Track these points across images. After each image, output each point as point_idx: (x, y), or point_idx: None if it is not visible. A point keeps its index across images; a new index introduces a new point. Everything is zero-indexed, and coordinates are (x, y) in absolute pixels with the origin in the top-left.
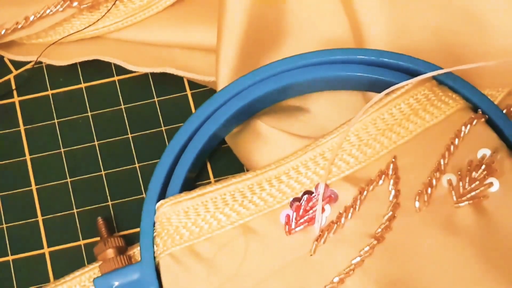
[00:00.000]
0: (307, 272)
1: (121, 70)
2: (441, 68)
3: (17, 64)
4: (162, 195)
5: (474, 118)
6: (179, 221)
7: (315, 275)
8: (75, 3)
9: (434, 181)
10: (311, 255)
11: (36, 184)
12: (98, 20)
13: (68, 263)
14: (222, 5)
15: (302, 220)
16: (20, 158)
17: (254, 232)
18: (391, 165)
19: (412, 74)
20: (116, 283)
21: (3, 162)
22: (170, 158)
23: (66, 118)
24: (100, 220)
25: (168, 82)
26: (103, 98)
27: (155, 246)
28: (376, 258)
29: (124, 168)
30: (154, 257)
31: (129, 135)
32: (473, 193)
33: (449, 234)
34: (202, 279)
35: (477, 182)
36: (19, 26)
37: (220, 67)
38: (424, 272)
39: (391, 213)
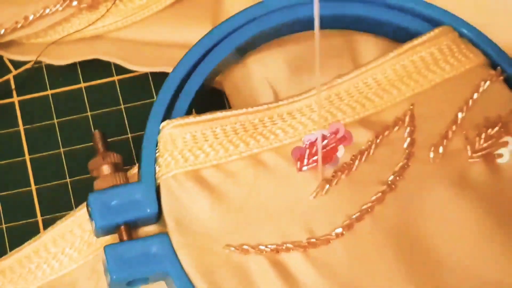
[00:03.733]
0: (315, 212)
1: (121, 70)
2: (465, 22)
3: (17, 64)
4: (167, 116)
5: (494, 74)
6: (185, 144)
7: (324, 216)
8: (75, 3)
9: (450, 134)
10: (320, 194)
11: (36, 184)
12: (98, 19)
13: None
14: (220, 5)
15: (314, 158)
16: (20, 158)
17: (263, 165)
18: (409, 113)
19: (436, 24)
20: (113, 202)
21: (3, 162)
22: (179, 75)
23: (66, 118)
24: (97, 133)
25: None
26: (103, 98)
27: (157, 167)
28: (386, 205)
29: (123, 168)
30: (155, 179)
31: (129, 135)
32: (488, 150)
33: (461, 188)
34: (205, 207)
35: (493, 139)
36: (19, 26)
37: None
38: (432, 223)
39: (405, 161)
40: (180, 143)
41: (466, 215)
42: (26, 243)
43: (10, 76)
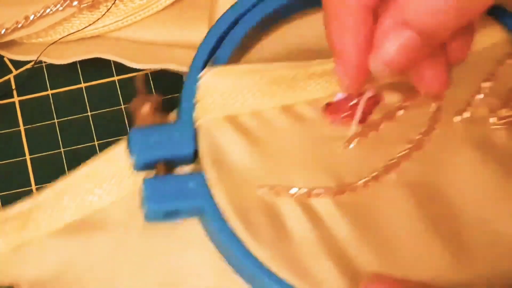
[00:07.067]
0: (344, 162)
1: (121, 69)
2: None
3: (17, 64)
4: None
5: None
6: (225, 90)
7: (352, 167)
8: (75, 3)
9: (474, 102)
10: (349, 147)
11: (36, 184)
12: (98, 19)
13: None
14: (213, 3)
15: (346, 114)
16: (20, 158)
17: (298, 115)
18: None
19: None
20: (152, 139)
21: (3, 162)
22: (223, 26)
23: (66, 118)
24: (139, 76)
25: (168, 82)
26: (103, 98)
27: (195, 110)
28: (412, 162)
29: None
30: (193, 121)
31: None
32: (510, 119)
33: (484, 151)
34: (240, 149)
35: None
36: (19, 26)
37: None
38: (455, 182)
39: (431, 124)
40: (220, 89)
41: (487, 175)
42: (60, 178)
43: (10, 76)
